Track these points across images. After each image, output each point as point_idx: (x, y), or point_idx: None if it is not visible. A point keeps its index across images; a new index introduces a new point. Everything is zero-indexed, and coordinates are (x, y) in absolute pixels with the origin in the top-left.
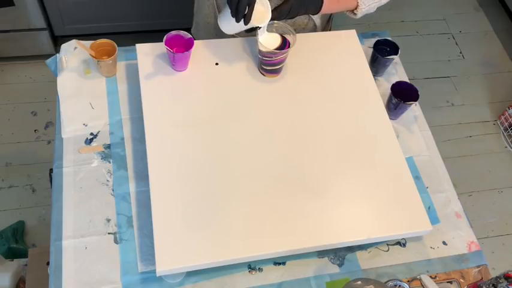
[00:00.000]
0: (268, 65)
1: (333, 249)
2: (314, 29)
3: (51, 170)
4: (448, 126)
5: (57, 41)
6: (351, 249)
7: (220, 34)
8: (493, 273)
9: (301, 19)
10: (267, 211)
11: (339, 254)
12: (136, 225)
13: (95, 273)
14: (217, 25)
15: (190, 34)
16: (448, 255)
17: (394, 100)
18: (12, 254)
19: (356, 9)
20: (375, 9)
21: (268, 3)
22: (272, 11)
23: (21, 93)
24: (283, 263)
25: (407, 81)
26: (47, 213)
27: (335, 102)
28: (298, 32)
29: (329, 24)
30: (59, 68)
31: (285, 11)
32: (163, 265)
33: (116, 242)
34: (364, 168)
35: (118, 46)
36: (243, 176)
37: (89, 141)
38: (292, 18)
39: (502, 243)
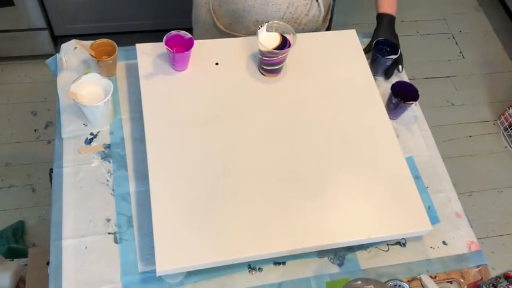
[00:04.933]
0: (268, 65)
1: (333, 249)
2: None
3: (51, 170)
4: (448, 126)
5: (57, 41)
6: (351, 249)
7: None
8: (493, 273)
9: (314, 11)
10: (267, 211)
11: (339, 254)
12: (136, 225)
13: (94, 273)
14: (217, 34)
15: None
16: (448, 255)
17: (394, 100)
18: (12, 254)
19: None
20: None
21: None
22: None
23: (21, 93)
24: (283, 263)
25: (408, 81)
26: (47, 213)
27: (335, 102)
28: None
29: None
30: (58, 68)
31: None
32: (163, 265)
33: (116, 241)
34: (364, 168)
35: (118, 46)
36: (243, 175)
37: (89, 141)
38: None
39: (502, 243)
